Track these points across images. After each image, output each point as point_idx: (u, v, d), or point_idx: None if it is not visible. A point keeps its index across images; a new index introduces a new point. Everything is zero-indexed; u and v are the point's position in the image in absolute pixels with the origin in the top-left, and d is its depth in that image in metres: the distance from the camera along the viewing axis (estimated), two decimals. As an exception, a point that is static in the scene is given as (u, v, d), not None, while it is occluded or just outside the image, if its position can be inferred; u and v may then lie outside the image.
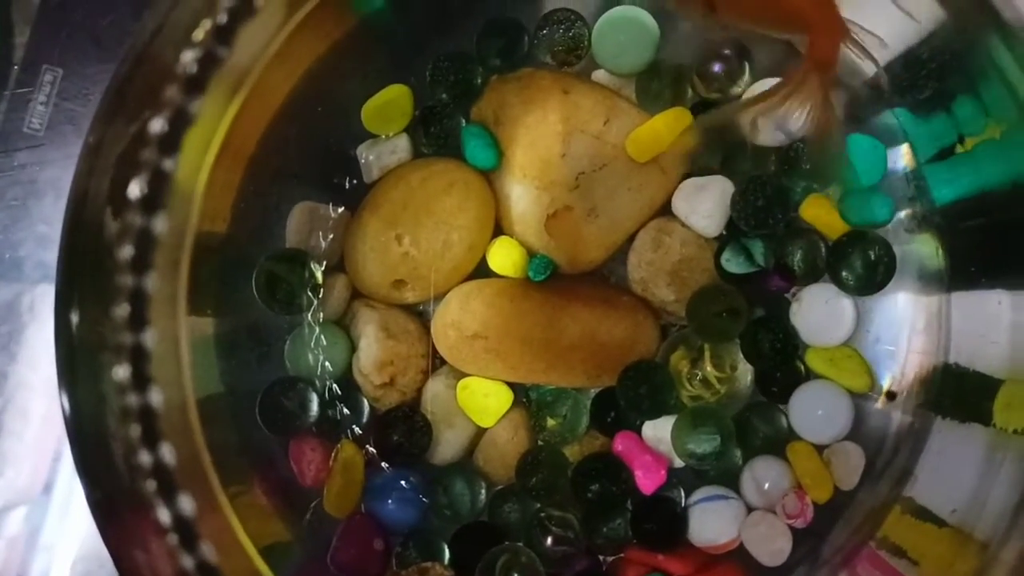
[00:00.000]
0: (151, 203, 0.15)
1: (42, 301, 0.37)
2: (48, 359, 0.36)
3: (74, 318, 0.19)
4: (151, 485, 0.15)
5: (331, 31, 0.23)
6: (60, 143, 0.39)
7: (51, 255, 0.37)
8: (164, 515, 0.15)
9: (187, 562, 0.15)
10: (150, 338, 0.15)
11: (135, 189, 0.15)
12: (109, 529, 0.19)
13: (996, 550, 0.25)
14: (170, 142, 0.15)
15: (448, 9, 0.31)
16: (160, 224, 0.15)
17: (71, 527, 0.35)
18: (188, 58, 0.15)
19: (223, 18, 0.15)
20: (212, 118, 0.16)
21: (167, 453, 0.15)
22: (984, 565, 0.25)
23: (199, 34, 0.15)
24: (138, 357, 0.15)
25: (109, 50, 0.39)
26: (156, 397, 0.15)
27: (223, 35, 0.15)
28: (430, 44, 0.31)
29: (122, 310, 0.15)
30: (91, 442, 0.20)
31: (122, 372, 0.15)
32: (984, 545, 0.26)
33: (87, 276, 0.20)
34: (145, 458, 0.15)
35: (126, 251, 0.15)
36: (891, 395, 0.31)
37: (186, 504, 0.15)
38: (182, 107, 0.15)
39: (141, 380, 0.15)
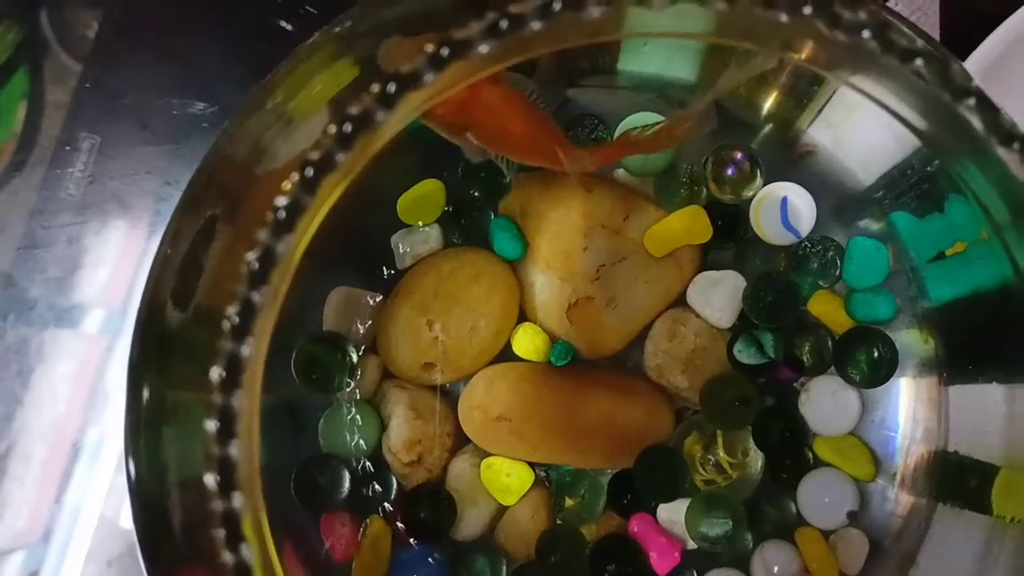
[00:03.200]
0: (241, 331, 0.17)
1: (51, 346, 0.38)
2: (52, 404, 0.37)
3: (145, 394, 0.22)
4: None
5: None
6: (97, 211, 0.41)
7: (62, 299, 0.38)
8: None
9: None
10: (235, 449, 0.17)
11: (227, 323, 0.17)
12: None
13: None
14: (259, 278, 0.17)
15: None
16: (247, 349, 0.17)
17: (68, 572, 0.36)
18: (281, 203, 0.17)
19: (310, 171, 0.17)
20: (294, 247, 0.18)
21: (246, 551, 0.17)
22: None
23: (287, 185, 0.17)
24: (225, 467, 0.17)
25: (157, 133, 0.42)
26: (238, 501, 0.17)
27: (309, 186, 0.17)
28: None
29: (212, 425, 0.17)
30: (151, 509, 0.21)
31: (211, 480, 0.17)
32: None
33: (157, 359, 0.22)
34: (228, 558, 0.17)
35: (215, 373, 0.17)
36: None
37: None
38: (270, 246, 0.17)
39: (227, 487, 0.17)
